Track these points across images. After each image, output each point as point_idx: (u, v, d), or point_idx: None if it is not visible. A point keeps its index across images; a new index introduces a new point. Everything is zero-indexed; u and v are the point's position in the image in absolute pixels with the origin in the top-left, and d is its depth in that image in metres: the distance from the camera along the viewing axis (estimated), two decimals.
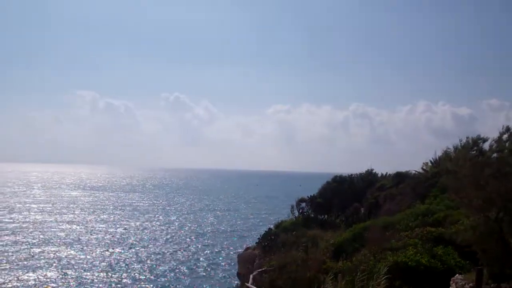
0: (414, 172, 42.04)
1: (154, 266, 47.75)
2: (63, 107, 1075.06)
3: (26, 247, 53.14)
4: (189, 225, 78.17)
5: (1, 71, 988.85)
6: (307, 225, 37.75)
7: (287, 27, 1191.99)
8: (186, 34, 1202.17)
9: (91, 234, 63.93)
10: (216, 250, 57.77)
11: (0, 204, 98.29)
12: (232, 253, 54.11)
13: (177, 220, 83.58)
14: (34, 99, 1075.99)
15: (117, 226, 73.40)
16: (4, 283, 39.10)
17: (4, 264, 44.87)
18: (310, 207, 42.99)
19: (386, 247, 20.82)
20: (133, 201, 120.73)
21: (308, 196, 44.02)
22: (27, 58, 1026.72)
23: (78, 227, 70.23)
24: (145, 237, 63.80)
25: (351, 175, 49.46)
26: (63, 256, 49.68)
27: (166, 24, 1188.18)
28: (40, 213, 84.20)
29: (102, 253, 52.33)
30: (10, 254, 49.16)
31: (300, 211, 42.82)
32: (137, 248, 56.12)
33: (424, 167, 40.37)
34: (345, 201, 43.81)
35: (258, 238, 39.66)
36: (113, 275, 43.24)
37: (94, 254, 51.28)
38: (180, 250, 56.03)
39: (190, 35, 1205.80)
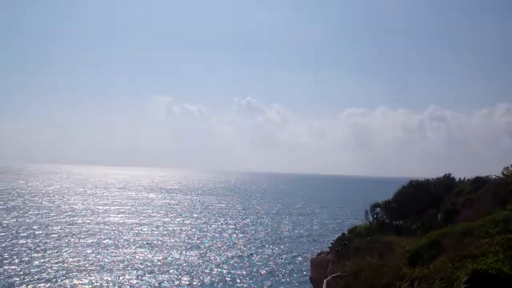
0: (494, 177, 40.31)
1: (231, 269, 48.19)
2: (141, 112, 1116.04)
3: (104, 249, 55.05)
4: (265, 229, 78.56)
5: (82, 78, 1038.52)
6: (382, 231, 37.03)
7: (360, 31, 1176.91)
8: (259, 39, 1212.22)
9: (167, 237, 65.54)
10: (291, 254, 57.83)
11: (81, 205, 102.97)
12: (306, 257, 53.94)
13: (253, 224, 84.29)
14: (114, 105, 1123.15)
15: (193, 228, 74.89)
16: (82, 284, 40.51)
17: (84, 265, 46.61)
18: (385, 212, 42.14)
19: (465, 255, 20.19)
20: (208, 204, 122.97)
21: (382, 201, 43.17)
22: (108, 64, 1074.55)
23: (154, 229, 72.12)
24: (221, 241, 64.69)
25: (428, 179, 48.07)
26: (140, 258, 51.05)
27: (239, 29, 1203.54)
28: (118, 215, 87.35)
29: (178, 255, 53.50)
30: (89, 255, 51.15)
31: (375, 216, 42.03)
32: (213, 251, 56.98)
33: (505, 172, 38.63)
34: (421, 206, 42.58)
35: (331, 243, 39.34)
36: (188, 278, 44.05)
37: (170, 257, 52.42)
38: (256, 254, 56.37)
39: (262, 40, 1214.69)
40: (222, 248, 58.98)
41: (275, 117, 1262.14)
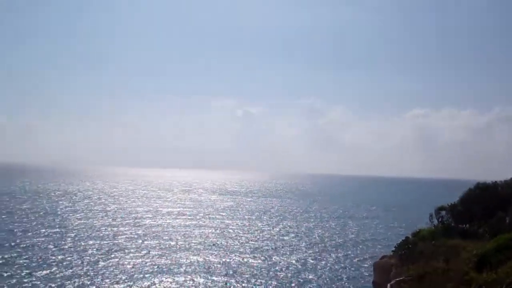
0: None
1: (296, 274, 47.96)
2: (204, 114, 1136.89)
3: (169, 251, 55.72)
4: (328, 232, 77.80)
5: (146, 79, 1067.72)
6: (447, 234, 36.13)
7: (424, 29, 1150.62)
8: (319, 40, 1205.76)
9: (230, 239, 65.91)
10: (354, 257, 57.23)
11: (146, 207, 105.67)
12: (369, 261, 53.16)
13: (316, 227, 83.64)
14: (177, 107, 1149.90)
15: (255, 231, 75.11)
16: (147, 287, 41.34)
17: (148, 268, 47.36)
18: (451, 215, 41.10)
19: None
20: (270, 206, 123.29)
21: (448, 204, 42.11)
22: (172, 67, 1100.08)
23: (217, 231, 72.84)
24: (284, 244, 64.46)
25: (495, 182, 46.47)
26: (204, 261, 51.36)
27: (299, 30, 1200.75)
28: (181, 217, 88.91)
29: (242, 259, 53.52)
30: (154, 257, 52.01)
31: (440, 219, 41.02)
32: (278, 255, 56.73)
33: None
34: (489, 209, 41.24)
35: (395, 247, 38.75)
36: (254, 282, 44.18)
37: (234, 260, 52.59)
38: (319, 258, 55.77)
39: (323, 41, 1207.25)
40: (285, 252, 58.69)
41: (336, 118, 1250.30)
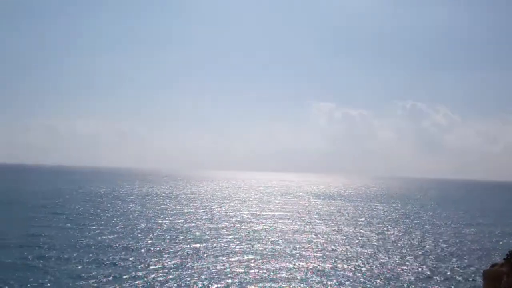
0: None
1: (406, 283, 45.76)
2: (303, 118, 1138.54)
3: (272, 256, 54.70)
4: (441, 239, 74.23)
5: (240, 85, 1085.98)
6: None
7: None
8: (419, 41, 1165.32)
9: (332, 244, 64.07)
10: (463, 265, 54.14)
11: (247, 211, 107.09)
12: (478, 268, 50.08)
13: (428, 233, 79.95)
14: (276, 111, 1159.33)
15: (359, 237, 72.84)
16: None
17: (248, 274, 46.28)
18: None
19: None
20: (374, 211, 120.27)
21: None
22: (268, 71, 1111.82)
23: (320, 237, 71.21)
24: (392, 251, 61.48)
25: None
26: (312, 268, 49.75)
27: (398, 31, 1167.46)
28: (281, 221, 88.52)
29: (347, 265, 51.65)
30: (258, 262, 51.38)
31: None
32: (389, 263, 54.12)
33: None
34: None
35: (506, 254, 36.59)
36: None
37: (338, 267, 50.73)
38: (433, 267, 52.83)
39: (423, 41, 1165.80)
40: (395, 260, 55.76)
41: (439, 120, 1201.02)
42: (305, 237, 69.74)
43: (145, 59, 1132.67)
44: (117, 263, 48.07)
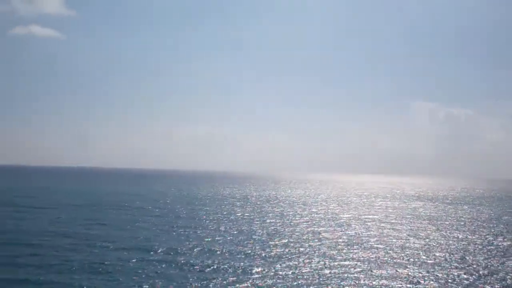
0: None
1: None
2: (401, 118, 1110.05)
3: (377, 266, 51.44)
4: None
5: (339, 86, 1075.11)
6: None
7: None
8: None
9: (438, 252, 59.22)
10: None
11: (347, 214, 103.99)
12: None
13: None
14: (372, 111, 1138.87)
15: (470, 244, 67.24)
16: None
17: (364, 280, 44.67)
18: None
19: None
20: (481, 213, 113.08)
21: None
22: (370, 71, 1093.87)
23: (427, 242, 66.51)
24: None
25: None
26: (428, 278, 46.30)
27: (505, 26, 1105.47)
28: (387, 226, 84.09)
29: (457, 277, 47.14)
30: (363, 272, 48.86)
31: None
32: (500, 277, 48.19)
33: None
34: None
35: None
36: None
37: (449, 280, 46.48)
38: None
39: None
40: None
41: None
42: (413, 243, 65.61)
43: (229, 62, 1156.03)
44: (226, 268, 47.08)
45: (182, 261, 49.01)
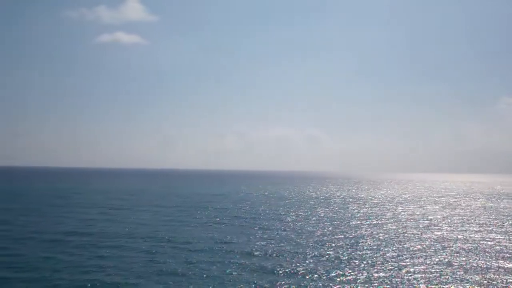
0: None
1: None
2: (489, 115, 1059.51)
3: (465, 272, 48.15)
4: None
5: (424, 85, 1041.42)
6: None
7: None
8: None
9: None
10: None
11: (435, 215, 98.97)
12: None
13: None
14: (460, 109, 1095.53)
15: None
16: None
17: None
18: None
19: None
20: None
21: None
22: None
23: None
24: None
25: None
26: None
27: None
28: (475, 228, 79.13)
29: None
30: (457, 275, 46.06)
31: None
32: None
33: None
34: None
35: None
36: None
37: None
38: None
39: None
40: None
41: None
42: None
43: (313, 64, 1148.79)
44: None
45: (269, 265, 47.60)
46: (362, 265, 48.14)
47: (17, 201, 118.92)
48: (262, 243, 59.68)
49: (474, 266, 48.40)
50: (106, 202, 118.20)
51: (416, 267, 47.77)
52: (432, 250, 56.96)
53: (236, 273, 44.00)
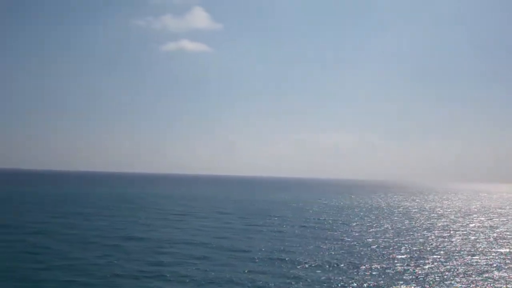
0: None
1: None
2: None
3: None
4: None
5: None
6: None
7: None
8: None
9: None
10: None
11: (503, 228, 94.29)
12: None
13: None
14: None
15: None
16: None
17: None
18: None
19: None
20: None
21: None
22: None
23: None
24: None
25: None
26: None
27: None
28: None
29: None
30: None
31: None
32: None
33: None
34: None
35: None
36: None
37: None
38: None
39: None
40: None
41: None
42: None
43: (378, 69, 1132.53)
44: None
45: (329, 278, 46.38)
46: (428, 279, 46.09)
47: (86, 205, 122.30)
48: (323, 253, 58.35)
49: None
50: (168, 207, 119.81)
51: (486, 282, 45.31)
52: (505, 267, 53.93)
53: (296, 284, 43.04)
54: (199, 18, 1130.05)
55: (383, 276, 46.71)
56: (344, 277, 45.78)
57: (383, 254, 59.58)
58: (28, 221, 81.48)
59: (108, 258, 51.93)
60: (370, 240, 71.68)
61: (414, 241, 72.23)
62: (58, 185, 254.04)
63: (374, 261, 54.48)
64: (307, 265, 51.10)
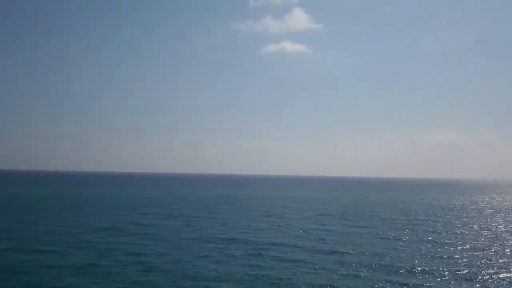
0: None
1: None
2: None
3: None
4: None
5: None
6: None
7: None
8: None
9: None
10: None
11: None
12: None
13: None
14: None
15: None
16: None
17: None
18: None
19: None
20: None
21: None
22: None
23: None
24: None
25: None
26: None
27: None
28: None
29: None
30: None
31: None
32: None
33: None
34: None
35: None
36: None
37: None
38: None
39: None
40: None
41: None
42: None
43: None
44: None
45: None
46: None
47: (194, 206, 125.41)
48: (427, 260, 55.00)
49: None
50: (271, 210, 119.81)
51: None
52: None
53: None
54: (299, 19, 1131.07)
55: None
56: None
57: (496, 265, 55.24)
58: (143, 224, 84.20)
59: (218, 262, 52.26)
60: (485, 244, 67.02)
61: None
62: (146, 187, 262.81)
63: (493, 271, 50.55)
64: (406, 271, 48.46)
